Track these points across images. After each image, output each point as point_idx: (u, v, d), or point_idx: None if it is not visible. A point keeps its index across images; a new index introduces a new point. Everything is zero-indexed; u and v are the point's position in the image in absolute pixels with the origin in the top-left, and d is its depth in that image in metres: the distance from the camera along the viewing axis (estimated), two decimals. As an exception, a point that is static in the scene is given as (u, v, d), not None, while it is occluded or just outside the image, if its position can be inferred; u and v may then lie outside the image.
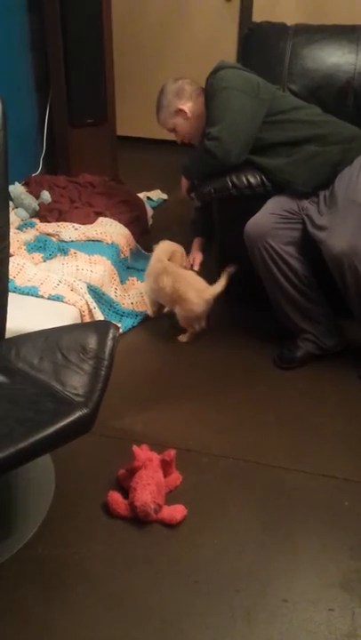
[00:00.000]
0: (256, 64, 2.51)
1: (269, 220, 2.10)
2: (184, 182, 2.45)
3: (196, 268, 2.65)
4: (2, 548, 1.55)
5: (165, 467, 1.71)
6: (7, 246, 1.66)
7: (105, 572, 1.51)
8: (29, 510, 1.66)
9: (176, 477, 1.73)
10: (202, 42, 4.01)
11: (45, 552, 1.54)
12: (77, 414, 1.37)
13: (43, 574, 1.49)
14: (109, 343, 1.50)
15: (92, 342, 1.52)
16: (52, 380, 1.48)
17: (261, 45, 2.65)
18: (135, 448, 1.70)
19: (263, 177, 2.20)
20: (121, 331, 2.38)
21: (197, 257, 2.65)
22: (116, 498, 1.64)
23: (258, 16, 3.76)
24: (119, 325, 2.35)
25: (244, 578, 1.49)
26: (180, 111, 2.39)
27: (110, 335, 1.51)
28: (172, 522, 1.61)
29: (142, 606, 1.43)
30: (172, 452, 1.72)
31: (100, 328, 1.56)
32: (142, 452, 1.71)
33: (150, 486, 1.62)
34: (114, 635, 1.37)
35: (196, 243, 2.69)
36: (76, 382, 1.46)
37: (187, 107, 2.39)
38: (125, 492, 1.67)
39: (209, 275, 2.43)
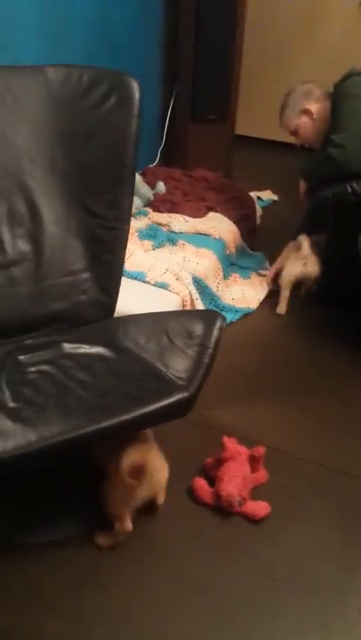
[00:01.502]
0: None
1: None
2: (302, 185, 2.44)
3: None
4: (87, 518, 1.61)
5: (253, 462, 1.72)
6: (128, 229, 1.73)
7: (184, 553, 1.54)
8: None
9: (262, 475, 1.74)
10: (333, 47, 3.95)
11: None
12: (178, 396, 1.41)
13: (125, 549, 1.54)
14: (215, 332, 1.53)
15: (198, 329, 1.55)
16: (157, 361, 1.53)
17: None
18: (225, 439, 1.72)
19: (384, 186, 2.15)
20: (220, 324, 2.41)
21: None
22: (201, 484, 1.67)
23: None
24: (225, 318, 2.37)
25: (322, 584, 1.48)
26: (307, 111, 2.38)
27: (217, 325, 1.54)
28: (255, 517, 1.62)
29: (215, 592, 1.45)
30: (262, 449, 1.73)
31: (208, 317, 1.59)
32: (232, 444, 1.73)
33: (237, 479, 1.64)
34: (183, 616, 1.40)
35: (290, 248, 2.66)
36: (179, 366, 1.50)
37: (314, 107, 2.37)
38: (211, 480, 1.70)
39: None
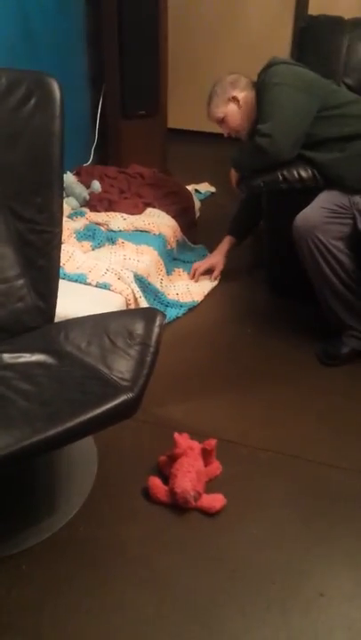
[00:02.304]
0: (312, 58, 2.49)
1: (320, 213, 2.08)
2: (233, 174, 2.45)
3: (214, 277, 2.67)
4: (44, 527, 1.59)
5: (206, 456, 1.72)
6: (60, 232, 1.70)
7: (142, 554, 1.53)
8: (72, 490, 1.70)
9: (216, 467, 1.74)
10: (256, 36, 3.98)
11: (86, 532, 1.57)
12: (123, 398, 1.39)
13: (81, 553, 1.52)
14: (156, 330, 1.52)
15: (139, 328, 1.54)
16: (100, 364, 1.51)
17: (317, 39, 2.62)
18: (176, 435, 1.72)
19: (315, 171, 2.18)
20: (165, 321, 2.40)
21: (219, 264, 2.68)
22: (156, 483, 1.66)
23: (314, 9, 3.71)
24: (165, 313, 2.37)
25: (281, 569, 1.50)
26: (234, 99, 2.39)
27: (157, 322, 1.53)
28: (211, 510, 1.62)
29: (177, 590, 1.45)
30: (213, 442, 1.73)
31: (148, 315, 1.57)
32: (183, 440, 1.73)
33: (191, 474, 1.63)
34: (147, 615, 1.39)
35: (225, 243, 2.69)
36: (122, 367, 1.48)
37: (240, 95, 2.38)
38: (165, 478, 1.69)
39: (231, 281, 2.43)
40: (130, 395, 1.41)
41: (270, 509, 1.66)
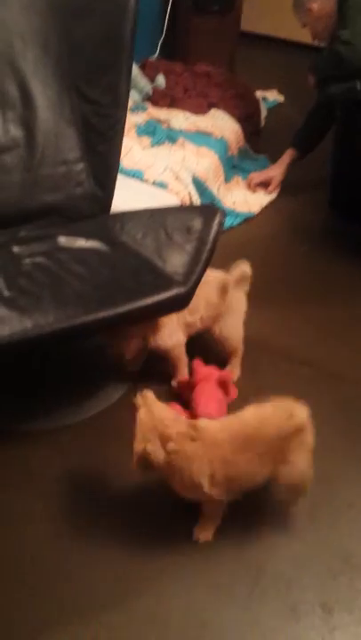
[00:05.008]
0: None
1: None
2: (311, 79, 2.31)
3: (270, 190, 2.55)
4: (86, 408, 1.63)
5: (223, 387, 1.63)
6: (124, 117, 1.64)
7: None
8: (115, 379, 1.71)
9: (234, 394, 1.66)
10: None
11: (125, 418, 1.60)
12: (175, 291, 1.39)
13: (119, 435, 1.55)
14: (215, 227, 1.48)
15: (197, 224, 1.50)
16: (154, 256, 1.49)
17: None
18: (196, 362, 1.65)
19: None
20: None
21: (277, 177, 2.56)
22: (176, 409, 1.56)
23: None
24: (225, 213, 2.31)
25: (313, 480, 1.50)
26: (309, 10, 2.24)
27: (217, 220, 1.49)
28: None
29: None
30: (231, 375, 1.67)
31: (207, 212, 1.54)
32: (202, 368, 1.65)
33: (213, 403, 1.55)
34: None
35: (287, 156, 2.57)
36: (176, 261, 1.46)
37: (315, 5, 2.22)
38: (185, 404, 1.62)
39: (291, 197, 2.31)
40: (182, 289, 1.40)
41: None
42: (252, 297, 2.08)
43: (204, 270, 1.45)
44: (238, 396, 1.67)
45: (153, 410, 1.21)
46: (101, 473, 1.48)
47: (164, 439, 1.19)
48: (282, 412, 1.24)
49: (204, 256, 1.46)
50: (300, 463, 1.30)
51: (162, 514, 1.40)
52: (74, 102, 1.61)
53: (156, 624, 1.23)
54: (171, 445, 1.19)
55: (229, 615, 1.25)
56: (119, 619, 1.23)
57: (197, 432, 1.22)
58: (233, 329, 1.69)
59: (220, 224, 1.49)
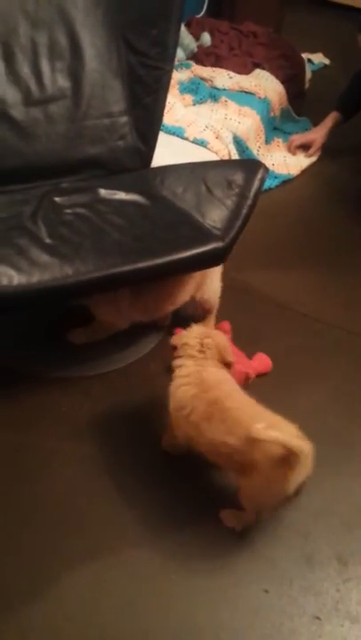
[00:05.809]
0: None
1: None
2: (360, 39, 2.26)
3: (310, 153, 2.52)
4: (116, 358, 1.68)
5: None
6: (171, 71, 1.64)
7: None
8: (146, 334, 1.75)
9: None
10: None
11: (155, 369, 1.65)
12: (213, 245, 1.40)
13: (149, 386, 1.60)
14: (256, 182, 1.48)
15: (238, 179, 1.50)
16: (194, 211, 1.50)
17: None
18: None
19: None
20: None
21: (318, 140, 2.52)
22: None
23: None
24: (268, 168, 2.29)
25: (335, 435, 1.53)
26: None
27: (259, 175, 1.49)
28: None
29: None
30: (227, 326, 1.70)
31: (249, 166, 1.54)
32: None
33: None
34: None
35: (330, 119, 2.52)
36: (216, 216, 1.47)
37: None
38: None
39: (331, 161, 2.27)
40: (220, 243, 1.41)
41: (332, 381, 1.68)
42: (286, 257, 2.10)
43: (243, 226, 1.46)
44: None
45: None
46: (128, 421, 1.53)
47: None
48: (293, 430, 1.21)
49: (245, 211, 1.47)
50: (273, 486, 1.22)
51: (187, 469, 1.44)
52: (121, 53, 1.61)
53: (177, 560, 1.29)
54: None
55: (246, 558, 1.30)
56: (144, 555, 1.29)
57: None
58: (212, 292, 1.68)
59: (263, 180, 1.49)
